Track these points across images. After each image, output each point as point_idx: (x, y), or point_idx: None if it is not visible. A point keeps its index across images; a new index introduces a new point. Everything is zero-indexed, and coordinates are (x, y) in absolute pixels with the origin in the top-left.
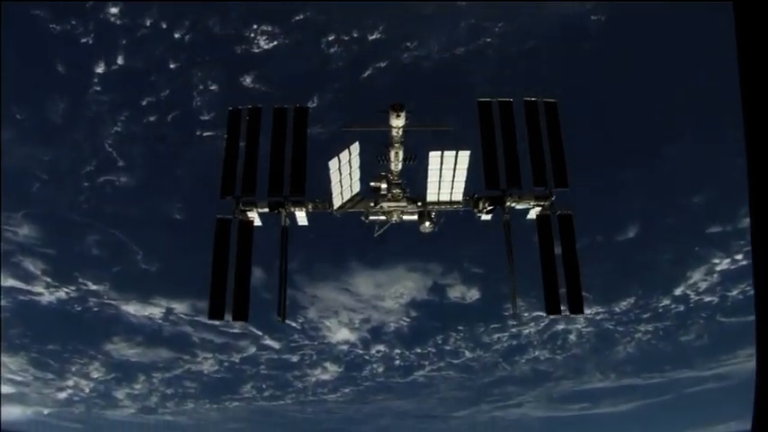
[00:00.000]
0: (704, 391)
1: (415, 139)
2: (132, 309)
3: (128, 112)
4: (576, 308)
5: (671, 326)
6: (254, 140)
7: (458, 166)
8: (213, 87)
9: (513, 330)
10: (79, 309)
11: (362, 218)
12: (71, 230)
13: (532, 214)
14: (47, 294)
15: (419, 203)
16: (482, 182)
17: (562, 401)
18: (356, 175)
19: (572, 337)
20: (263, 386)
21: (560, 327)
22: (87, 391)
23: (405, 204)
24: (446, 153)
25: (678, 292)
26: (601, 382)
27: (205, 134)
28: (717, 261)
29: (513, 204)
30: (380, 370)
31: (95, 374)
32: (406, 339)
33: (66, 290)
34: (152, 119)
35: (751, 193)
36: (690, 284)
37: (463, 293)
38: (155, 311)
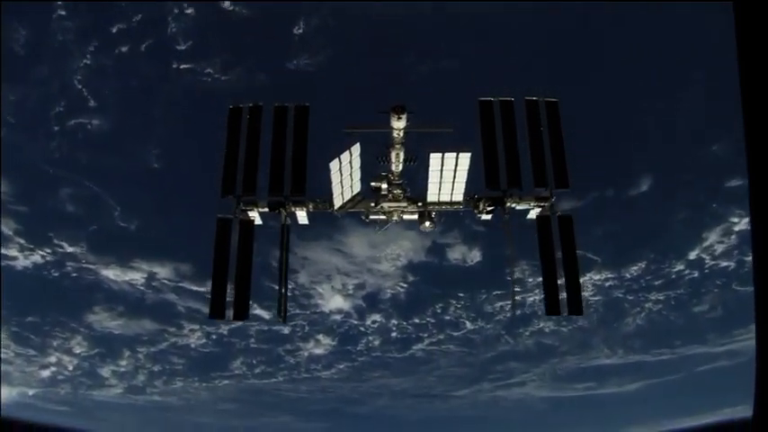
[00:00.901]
0: (715, 369)
1: (416, 139)
2: (112, 274)
3: (97, 41)
4: (575, 309)
5: (684, 295)
6: (254, 139)
7: (458, 168)
8: (189, 11)
9: (518, 298)
10: (57, 274)
11: (363, 217)
12: (43, 183)
13: (533, 214)
14: (21, 258)
15: (419, 204)
16: (482, 180)
17: (567, 380)
18: (357, 175)
19: None
20: (254, 362)
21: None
22: (71, 368)
23: (405, 204)
24: (447, 155)
25: (693, 255)
26: (608, 359)
27: (182, 66)
28: (735, 220)
29: (514, 205)
30: (376, 343)
31: (78, 349)
32: (403, 308)
33: (41, 253)
34: (123, 49)
35: (751, 193)
36: (705, 247)
37: (464, 255)
38: (136, 277)
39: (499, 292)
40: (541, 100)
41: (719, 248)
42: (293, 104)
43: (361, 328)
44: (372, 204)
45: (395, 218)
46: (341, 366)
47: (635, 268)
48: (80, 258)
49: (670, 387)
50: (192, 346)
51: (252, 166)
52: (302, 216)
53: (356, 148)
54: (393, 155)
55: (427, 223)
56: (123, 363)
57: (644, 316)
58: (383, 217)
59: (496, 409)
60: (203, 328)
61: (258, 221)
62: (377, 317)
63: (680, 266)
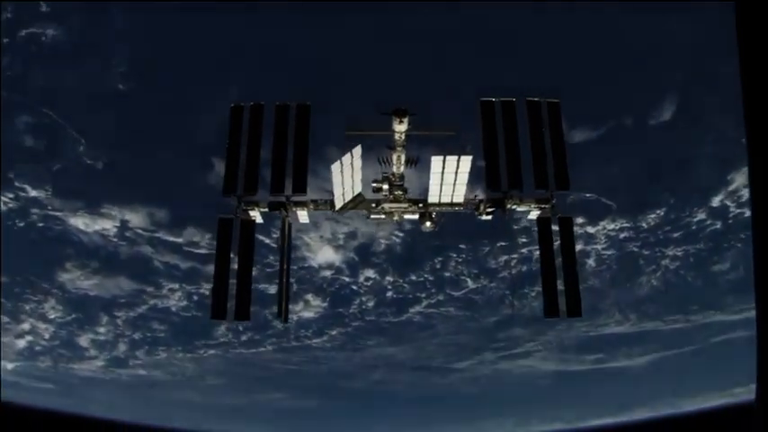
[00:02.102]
0: (731, 341)
1: (417, 140)
2: (81, 222)
3: None
4: (574, 311)
5: (704, 250)
6: (256, 138)
7: (460, 170)
8: None
9: (524, 251)
10: (22, 224)
11: (364, 216)
12: None
13: (533, 215)
14: None
15: (420, 205)
16: (483, 179)
17: (575, 350)
18: (358, 176)
19: (591, 262)
20: (240, 327)
21: (578, 247)
22: (48, 337)
23: (406, 206)
24: (448, 157)
25: (716, 202)
26: (619, 326)
27: None
28: None
29: (514, 207)
30: (370, 305)
31: (52, 314)
32: (398, 263)
33: (3, 199)
34: None
35: (752, 193)
36: (730, 192)
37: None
38: (107, 226)
39: (504, 244)
40: (543, 101)
41: (745, 194)
42: (294, 103)
43: (354, 287)
44: (373, 205)
45: (395, 217)
46: (333, 333)
47: (653, 216)
48: (45, 204)
49: (682, 361)
50: (173, 309)
51: (253, 165)
52: (303, 215)
53: (357, 150)
54: (395, 157)
55: (428, 223)
56: (102, 330)
57: (660, 275)
58: (384, 216)
59: (499, 386)
60: (183, 288)
61: (259, 220)
62: (370, 273)
63: (701, 215)
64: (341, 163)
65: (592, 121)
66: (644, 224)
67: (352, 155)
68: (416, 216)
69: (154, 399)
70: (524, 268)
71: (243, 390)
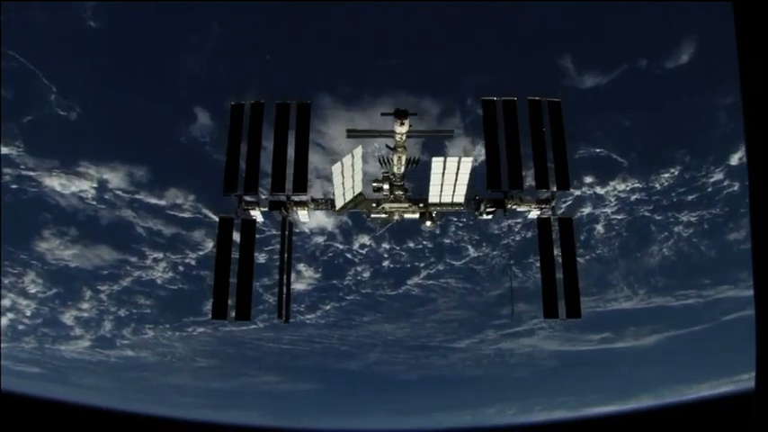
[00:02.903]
0: (743, 319)
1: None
2: (57, 183)
3: None
4: (573, 312)
5: (719, 216)
6: (256, 137)
7: (460, 171)
8: None
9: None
10: None
11: (365, 216)
12: None
13: (534, 215)
14: None
15: (421, 204)
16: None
17: (580, 329)
18: (359, 176)
19: (599, 228)
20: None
21: (586, 211)
22: (30, 314)
23: (407, 205)
24: (449, 159)
25: (734, 160)
26: (627, 301)
27: None
28: None
29: (515, 207)
30: (366, 275)
31: (33, 288)
32: (395, 227)
33: None
34: None
35: (751, 193)
36: None
37: (467, 152)
38: (84, 187)
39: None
40: (544, 100)
41: None
42: (295, 102)
43: (348, 255)
44: (374, 205)
45: (396, 217)
46: (327, 308)
47: (666, 176)
48: (18, 163)
49: (691, 341)
50: (159, 282)
51: (254, 164)
52: (303, 215)
53: (358, 151)
54: (395, 158)
55: (428, 223)
56: (86, 306)
57: (672, 244)
58: (384, 216)
59: (501, 369)
60: (168, 257)
61: (260, 219)
62: (365, 239)
63: (719, 175)
64: (341, 164)
65: (603, 63)
66: (657, 185)
67: (352, 155)
68: (417, 215)
69: (144, 383)
70: (528, 234)
71: (234, 372)
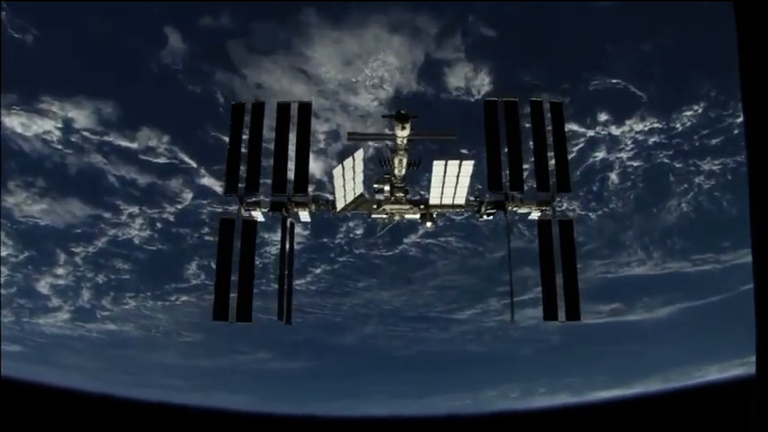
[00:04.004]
0: None
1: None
2: (18, 124)
3: None
4: (573, 315)
5: (743, 165)
6: (257, 137)
7: (461, 174)
8: None
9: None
10: None
11: (366, 216)
12: None
13: (534, 216)
14: None
15: (422, 206)
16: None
17: (589, 297)
18: (359, 178)
19: (614, 176)
20: (211, 264)
21: (600, 155)
22: (2, 282)
23: (408, 207)
24: (450, 162)
25: None
26: (640, 266)
27: None
28: None
29: (515, 209)
30: (359, 232)
31: (4, 251)
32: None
33: None
34: None
35: (751, 193)
36: None
37: (469, 80)
38: (48, 127)
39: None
40: (546, 101)
41: None
42: (296, 101)
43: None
44: (375, 206)
45: (397, 218)
46: (317, 271)
47: (689, 114)
48: None
49: (706, 315)
50: (136, 241)
51: (254, 165)
52: (304, 216)
53: (359, 154)
54: (396, 160)
55: (429, 223)
56: (61, 272)
57: (691, 198)
58: (385, 216)
59: (504, 344)
60: (144, 212)
61: (261, 219)
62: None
63: None
64: (342, 167)
65: None
66: (678, 125)
67: (353, 159)
68: (418, 216)
69: (129, 362)
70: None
71: (222, 348)
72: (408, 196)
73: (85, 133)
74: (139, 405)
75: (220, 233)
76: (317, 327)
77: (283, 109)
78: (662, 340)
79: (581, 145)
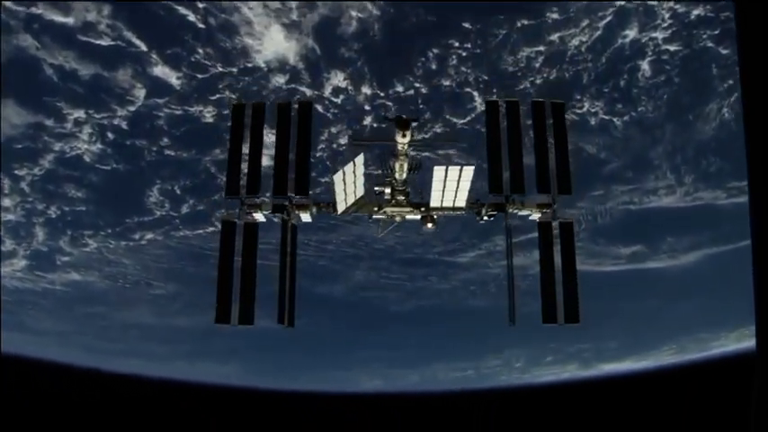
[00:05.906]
0: None
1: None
2: None
3: None
4: (572, 317)
5: None
6: (258, 139)
7: (462, 178)
8: None
9: (552, 39)
10: None
11: (367, 217)
12: None
13: (534, 218)
14: None
15: (423, 209)
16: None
17: (608, 235)
18: (360, 181)
19: (645, 66)
20: (176, 189)
21: (630, 35)
22: None
23: (408, 209)
24: (450, 168)
25: None
26: (669, 196)
27: None
28: None
29: (516, 211)
30: (344, 141)
31: None
32: (377, 58)
33: None
34: None
35: (751, 193)
36: None
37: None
38: None
39: (527, 22)
40: (548, 101)
41: None
42: (296, 101)
43: (319, 107)
44: (376, 208)
45: (397, 219)
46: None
47: None
48: None
49: (734, 265)
50: (87, 159)
51: (255, 166)
52: (305, 217)
53: (360, 159)
54: (397, 165)
55: (429, 225)
56: (8, 204)
57: (734, 101)
58: (385, 217)
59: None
60: (91, 117)
61: (262, 219)
62: (339, 80)
63: None
64: (343, 172)
65: None
66: None
67: (354, 164)
68: (418, 217)
69: (101, 322)
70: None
71: (200, 303)
72: (409, 198)
73: (8, 3)
74: (131, 380)
75: (222, 235)
76: (300, 273)
77: (283, 110)
78: (684, 294)
79: (609, 18)
